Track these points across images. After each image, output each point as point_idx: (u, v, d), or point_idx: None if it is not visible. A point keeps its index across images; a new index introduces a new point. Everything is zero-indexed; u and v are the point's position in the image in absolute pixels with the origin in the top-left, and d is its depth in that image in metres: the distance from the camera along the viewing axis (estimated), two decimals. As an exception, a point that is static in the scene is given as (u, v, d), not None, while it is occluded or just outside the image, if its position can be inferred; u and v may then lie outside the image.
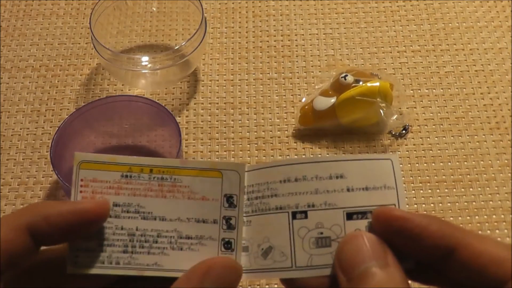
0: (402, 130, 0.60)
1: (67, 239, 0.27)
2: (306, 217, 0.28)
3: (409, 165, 0.58)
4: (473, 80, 0.63)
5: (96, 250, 0.28)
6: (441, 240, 0.25)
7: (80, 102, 0.63)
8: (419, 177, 0.57)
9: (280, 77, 0.64)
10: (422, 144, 0.59)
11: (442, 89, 0.63)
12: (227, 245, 0.28)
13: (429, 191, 0.56)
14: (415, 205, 0.55)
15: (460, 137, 0.59)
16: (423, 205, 0.55)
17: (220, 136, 0.60)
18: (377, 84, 0.56)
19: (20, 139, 0.60)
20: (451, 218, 0.54)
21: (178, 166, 0.29)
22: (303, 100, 0.60)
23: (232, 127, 0.61)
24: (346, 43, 0.67)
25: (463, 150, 0.58)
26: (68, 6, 0.71)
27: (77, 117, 0.55)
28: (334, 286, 0.27)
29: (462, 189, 0.56)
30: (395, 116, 0.57)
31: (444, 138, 0.59)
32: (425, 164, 0.58)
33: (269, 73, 0.64)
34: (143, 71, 0.60)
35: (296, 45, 0.67)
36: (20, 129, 0.61)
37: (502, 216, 0.54)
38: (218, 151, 0.59)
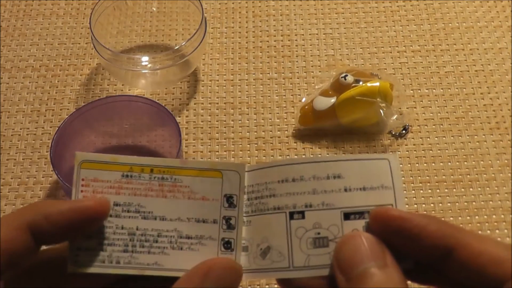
0: (402, 130, 0.60)
1: (67, 238, 0.27)
2: (303, 217, 0.28)
3: (409, 165, 0.58)
4: (473, 80, 0.63)
5: (97, 249, 0.28)
6: (440, 240, 0.25)
7: (80, 102, 0.63)
8: (419, 177, 0.57)
9: (280, 77, 0.64)
10: (422, 144, 0.59)
11: (442, 89, 0.63)
12: (227, 245, 0.29)
13: (429, 191, 0.56)
14: (415, 205, 0.55)
15: (460, 137, 0.59)
16: (423, 205, 0.55)
17: (220, 136, 0.60)
18: (377, 84, 0.56)
19: (20, 139, 0.60)
20: (451, 218, 0.54)
21: (179, 166, 0.29)
22: (303, 100, 0.60)
23: (232, 127, 0.61)
24: (346, 43, 0.67)
25: (463, 150, 0.58)
26: (68, 6, 0.71)
27: (77, 117, 0.55)
28: (332, 287, 0.27)
29: (462, 189, 0.56)
30: (395, 116, 0.57)
31: (444, 138, 0.59)
32: (425, 164, 0.58)
33: (269, 73, 0.64)
34: (143, 71, 0.60)
35: (296, 45, 0.67)
36: (20, 129, 0.61)
37: (502, 216, 0.54)
38: (218, 151, 0.59)
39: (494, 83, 0.63)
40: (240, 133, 0.60)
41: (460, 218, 0.54)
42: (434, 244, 0.25)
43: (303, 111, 0.59)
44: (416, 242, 0.25)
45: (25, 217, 0.26)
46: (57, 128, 0.54)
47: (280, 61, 0.65)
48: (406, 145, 0.59)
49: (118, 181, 0.29)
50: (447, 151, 0.58)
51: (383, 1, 0.70)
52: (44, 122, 0.61)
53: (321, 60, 0.65)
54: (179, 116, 0.61)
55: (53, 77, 0.65)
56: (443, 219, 0.29)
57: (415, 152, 0.58)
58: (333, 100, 0.58)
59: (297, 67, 0.65)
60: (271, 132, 0.60)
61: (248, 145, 0.59)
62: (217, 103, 0.62)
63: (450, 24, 0.68)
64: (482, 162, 0.58)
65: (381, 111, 0.56)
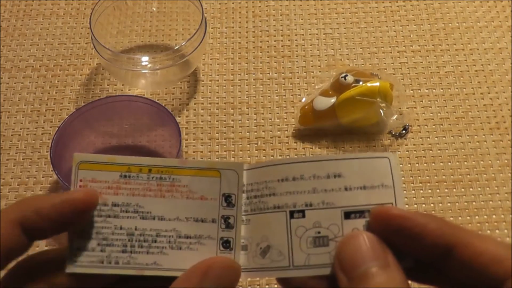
0: (402, 130, 0.60)
1: (59, 232, 0.27)
2: (303, 216, 0.27)
3: (409, 165, 0.58)
4: (473, 80, 0.63)
5: (95, 250, 0.28)
6: (440, 238, 0.25)
7: (80, 102, 0.63)
8: (419, 177, 0.57)
9: (280, 77, 0.64)
10: (422, 144, 0.59)
11: (442, 89, 0.63)
12: (226, 244, 0.28)
13: (429, 191, 0.56)
14: (415, 205, 0.55)
15: (460, 137, 0.59)
16: (423, 205, 0.55)
17: (220, 136, 0.60)
18: (377, 84, 0.56)
19: (20, 139, 0.60)
20: (451, 218, 0.54)
21: (177, 166, 0.29)
22: (303, 100, 0.60)
23: (232, 127, 0.61)
24: (346, 43, 0.67)
25: (463, 150, 0.58)
26: (68, 6, 0.71)
27: (77, 117, 0.55)
28: (331, 286, 0.27)
29: (462, 189, 0.56)
30: (395, 116, 0.57)
31: (444, 138, 0.59)
32: (425, 164, 0.58)
33: (269, 73, 0.64)
34: (143, 71, 0.60)
35: (296, 45, 0.67)
36: (20, 129, 0.61)
37: (502, 216, 0.54)
38: (218, 151, 0.59)
39: (494, 83, 0.63)
40: (240, 133, 0.60)
41: (460, 218, 0.54)
42: (435, 243, 0.25)
43: (303, 111, 0.59)
44: (417, 241, 0.25)
45: (15, 214, 0.26)
46: (57, 128, 0.54)
47: (280, 61, 0.65)
48: (406, 145, 0.59)
49: (116, 182, 0.29)
50: (447, 151, 0.58)
51: (383, 1, 0.70)
52: (44, 122, 0.61)
53: (321, 60, 0.65)
54: (179, 116, 0.61)
55: (53, 77, 0.65)
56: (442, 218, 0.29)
57: (415, 152, 0.58)
58: (333, 100, 0.58)
59: (297, 67, 0.65)
60: (271, 132, 0.60)
61: (248, 145, 0.59)
62: (217, 103, 0.62)
63: (450, 24, 0.68)
64: (482, 162, 0.58)
65: (381, 111, 0.56)
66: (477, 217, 0.54)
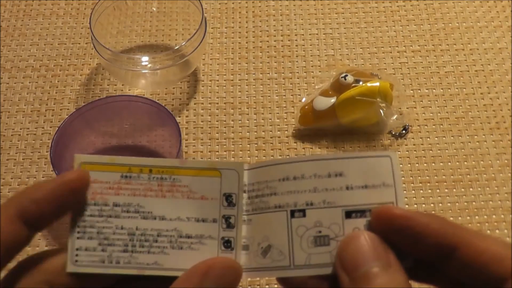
0: (402, 130, 0.60)
1: (58, 216, 0.27)
2: (304, 215, 0.27)
3: (409, 165, 0.58)
4: (473, 80, 0.63)
5: (96, 250, 0.28)
6: (442, 238, 0.25)
7: (80, 102, 0.63)
8: (419, 177, 0.57)
9: (280, 77, 0.64)
10: (422, 144, 0.59)
11: (442, 89, 0.63)
12: (227, 244, 0.28)
13: (429, 191, 0.56)
14: (415, 205, 0.55)
15: (460, 137, 0.59)
16: (423, 205, 0.55)
17: (220, 136, 0.60)
18: (377, 84, 0.56)
19: (20, 139, 0.60)
20: (451, 218, 0.54)
21: (177, 166, 0.29)
22: (303, 100, 0.60)
23: (232, 127, 0.61)
24: (346, 43, 0.67)
25: (463, 150, 0.58)
26: (68, 6, 0.71)
27: (77, 117, 0.55)
28: (332, 286, 0.27)
29: (462, 189, 0.56)
30: (395, 116, 0.57)
31: (444, 138, 0.59)
32: (425, 164, 0.58)
33: (269, 73, 0.64)
34: (143, 71, 0.60)
35: (296, 45, 0.67)
36: (20, 129, 0.61)
37: (502, 216, 0.54)
38: (218, 151, 0.59)
39: (494, 83, 0.63)
40: (240, 133, 0.60)
41: (460, 218, 0.54)
42: (437, 243, 0.25)
43: (303, 111, 0.59)
44: (418, 240, 0.25)
45: (13, 207, 0.26)
46: (57, 128, 0.54)
47: (280, 61, 0.65)
48: (406, 145, 0.59)
49: (117, 182, 0.29)
50: (447, 151, 0.58)
51: (383, 1, 0.70)
52: (44, 122, 0.61)
53: (321, 60, 0.65)
54: (179, 116, 0.61)
55: (53, 77, 0.65)
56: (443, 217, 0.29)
57: (415, 152, 0.58)
58: (333, 100, 0.58)
59: (297, 67, 0.65)
60: (271, 132, 0.60)
61: (248, 145, 0.59)
62: (217, 103, 0.62)
63: (450, 24, 0.68)
64: (482, 162, 0.58)
65: (381, 111, 0.56)
66: (477, 217, 0.55)
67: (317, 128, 0.60)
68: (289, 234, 0.27)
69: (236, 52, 0.66)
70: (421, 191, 0.56)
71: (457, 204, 0.55)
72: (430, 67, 0.64)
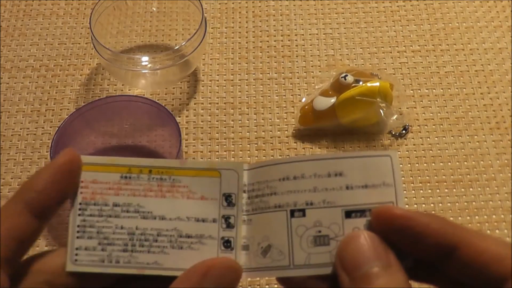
0: (402, 130, 0.60)
1: (62, 201, 0.27)
2: (304, 215, 0.27)
3: (409, 165, 0.58)
4: (473, 80, 0.63)
5: (96, 249, 0.28)
6: (443, 238, 0.25)
7: (80, 102, 0.63)
8: (419, 177, 0.57)
9: (280, 77, 0.64)
10: (422, 144, 0.59)
11: (442, 89, 0.63)
12: (227, 243, 0.29)
13: (429, 191, 0.56)
14: (415, 205, 0.55)
15: (460, 137, 0.59)
16: (423, 205, 0.55)
17: (220, 136, 0.60)
18: (377, 84, 0.56)
19: (20, 139, 0.60)
20: (451, 218, 0.54)
21: (177, 166, 0.29)
22: (303, 100, 0.60)
23: (232, 127, 0.61)
24: (346, 43, 0.67)
25: (463, 150, 0.58)
26: (68, 6, 0.71)
27: (77, 117, 0.55)
28: (332, 286, 0.27)
29: (462, 189, 0.56)
30: (395, 116, 0.57)
31: (444, 138, 0.59)
32: (425, 164, 0.58)
33: (269, 73, 0.64)
34: (143, 71, 0.60)
35: (296, 45, 0.67)
36: (20, 129, 0.61)
37: (502, 216, 0.54)
38: (218, 151, 0.59)
39: (494, 83, 0.63)
40: (240, 133, 0.60)
41: (460, 218, 0.54)
42: (437, 243, 0.25)
43: (303, 111, 0.59)
44: (419, 240, 0.25)
45: (21, 201, 0.26)
46: (57, 128, 0.54)
47: (280, 61, 0.65)
48: (406, 145, 0.59)
49: (117, 182, 0.29)
50: (447, 151, 0.58)
51: (383, 1, 0.70)
52: (44, 122, 0.61)
53: (321, 60, 0.65)
54: (179, 116, 0.61)
55: (53, 77, 0.65)
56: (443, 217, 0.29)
57: (415, 152, 0.58)
58: (333, 100, 0.58)
59: (297, 67, 0.65)
60: (271, 132, 0.60)
61: (248, 145, 0.59)
62: (217, 103, 0.62)
63: (450, 24, 0.68)
64: (482, 162, 0.58)
65: (381, 111, 0.56)
66: (477, 217, 0.55)
67: (317, 128, 0.60)
68: (289, 233, 0.27)
69: (236, 52, 0.66)
70: (421, 191, 0.56)
71: (457, 204, 0.55)
72: (430, 67, 0.64)
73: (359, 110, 0.57)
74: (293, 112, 0.61)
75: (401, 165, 0.57)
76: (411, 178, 0.57)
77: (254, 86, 0.63)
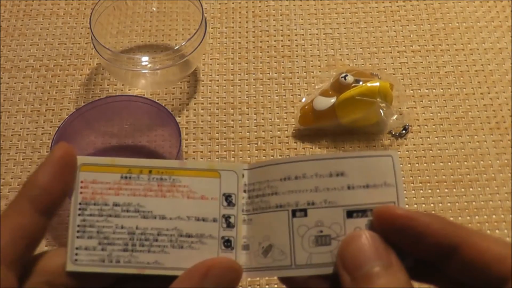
0: (402, 130, 0.60)
1: (65, 194, 0.28)
2: (305, 215, 0.27)
3: (409, 165, 0.58)
4: (473, 80, 0.63)
5: (96, 249, 0.28)
6: (444, 238, 0.25)
7: (80, 102, 0.63)
8: (419, 177, 0.57)
9: (280, 77, 0.64)
10: (422, 144, 0.59)
11: (442, 89, 0.63)
12: (227, 243, 0.29)
13: (429, 191, 0.56)
14: (415, 205, 0.55)
15: (460, 137, 0.59)
16: (423, 205, 0.55)
17: (220, 136, 0.60)
18: (377, 84, 0.56)
19: (20, 139, 0.60)
20: (451, 218, 0.54)
21: (177, 167, 0.29)
22: (303, 100, 0.60)
23: (232, 127, 0.61)
24: (346, 43, 0.67)
25: (463, 150, 0.58)
26: (68, 6, 0.71)
27: (77, 117, 0.55)
28: (333, 285, 0.27)
29: (462, 189, 0.56)
30: (395, 116, 0.57)
31: (444, 138, 0.59)
32: (425, 164, 0.58)
33: (269, 73, 0.64)
34: (143, 71, 0.60)
35: (296, 45, 0.67)
36: (20, 129, 0.61)
37: (502, 216, 0.54)
38: (218, 151, 0.59)
39: (494, 83, 0.63)
40: (240, 133, 0.60)
41: (460, 218, 0.54)
42: (438, 243, 0.25)
43: (303, 111, 0.59)
44: (420, 240, 0.25)
45: (26, 199, 0.26)
46: (57, 128, 0.54)
47: (280, 61, 0.65)
48: (406, 145, 0.59)
49: (117, 182, 0.29)
50: (447, 151, 0.58)
51: (383, 1, 0.70)
52: (44, 122, 0.61)
53: (321, 60, 0.65)
54: (179, 116, 0.61)
55: (53, 77, 0.65)
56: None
57: (415, 152, 0.58)
58: (333, 100, 0.58)
59: (297, 67, 0.65)
60: (271, 132, 0.60)
61: (248, 145, 0.59)
62: (217, 103, 0.62)
63: (450, 24, 0.68)
64: (482, 162, 0.58)
65: (381, 111, 0.56)
66: (477, 217, 0.55)
67: (317, 128, 0.60)
68: (290, 233, 0.27)
69: (236, 52, 0.66)
70: (421, 191, 0.56)
71: (457, 204, 0.55)
72: (430, 67, 0.64)
73: (359, 110, 0.57)
74: (293, 112, 0.61)
75: (401, 165, 0.57)
76: (411, 178, 0.57)
77: (254, 86, 0.63)
